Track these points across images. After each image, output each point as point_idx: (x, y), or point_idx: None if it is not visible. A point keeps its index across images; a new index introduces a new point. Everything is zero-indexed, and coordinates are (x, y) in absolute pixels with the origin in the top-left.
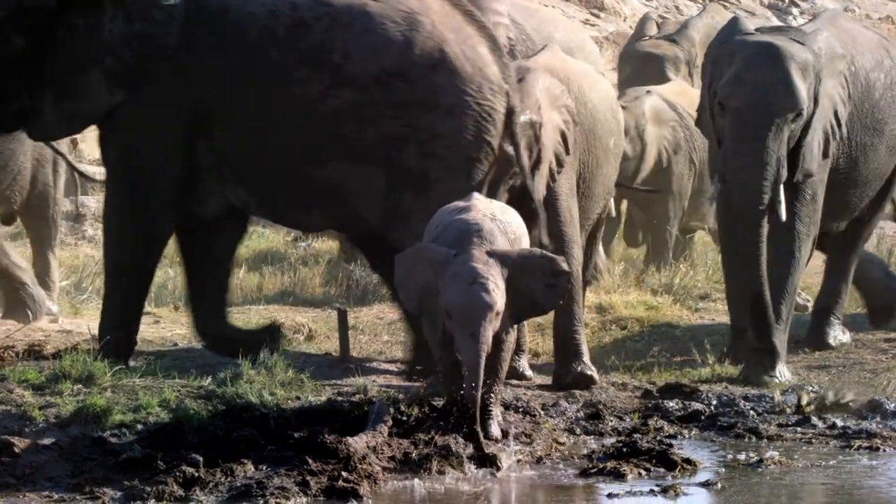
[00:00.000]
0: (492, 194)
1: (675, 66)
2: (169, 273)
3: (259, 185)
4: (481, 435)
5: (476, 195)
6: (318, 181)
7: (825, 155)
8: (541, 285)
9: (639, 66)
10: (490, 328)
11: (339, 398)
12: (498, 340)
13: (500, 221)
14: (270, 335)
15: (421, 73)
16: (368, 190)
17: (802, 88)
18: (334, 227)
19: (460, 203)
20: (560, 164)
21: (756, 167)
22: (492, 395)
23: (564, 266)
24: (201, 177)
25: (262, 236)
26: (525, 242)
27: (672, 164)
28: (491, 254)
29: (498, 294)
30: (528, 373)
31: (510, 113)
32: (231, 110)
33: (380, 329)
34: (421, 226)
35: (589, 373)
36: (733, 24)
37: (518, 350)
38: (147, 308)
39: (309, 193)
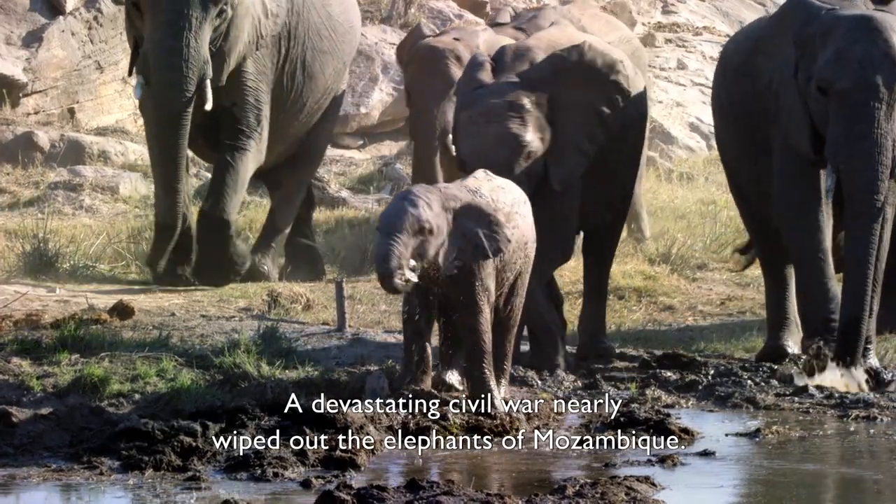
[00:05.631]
0: None
1: None
2: None
3: None
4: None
5: (478, 173)
6: None
7: None
8: (484, 229)
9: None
10: (412, 241)
11: (337, 368)
12: (474, 314)
13: (481, 194)
14: None
15: None
16: None
17: None
18: None
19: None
20: None
21: (871, 151)
22: (485, 370)
23: (502, 219)
24: None
25: (259, 206)
26: (517, 221)
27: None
28: (438, 189)
29: (429, 213)
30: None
31: None
32: None
33: (377, 299)
34: None
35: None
36: (803, 3)
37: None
38: (143, 278)
39: None
